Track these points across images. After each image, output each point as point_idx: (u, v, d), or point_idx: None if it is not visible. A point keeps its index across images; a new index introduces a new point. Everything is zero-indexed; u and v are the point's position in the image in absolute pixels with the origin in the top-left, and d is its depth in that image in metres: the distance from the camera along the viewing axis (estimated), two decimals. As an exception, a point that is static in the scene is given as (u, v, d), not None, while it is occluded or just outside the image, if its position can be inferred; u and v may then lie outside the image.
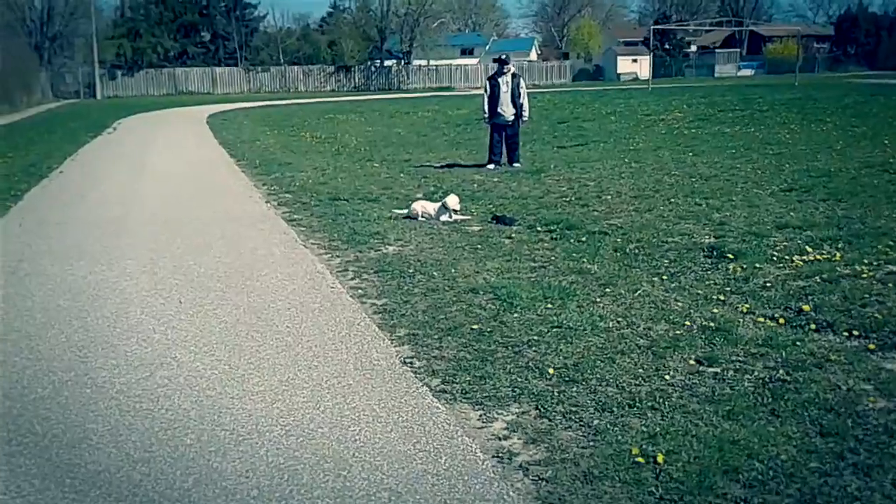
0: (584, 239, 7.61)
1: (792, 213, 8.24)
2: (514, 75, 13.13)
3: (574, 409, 3.91)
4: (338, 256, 7.36)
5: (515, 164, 13.13)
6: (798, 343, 4.66)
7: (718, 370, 4.31)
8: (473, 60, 69.60)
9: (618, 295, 5.76)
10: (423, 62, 64.25)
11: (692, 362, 4.43)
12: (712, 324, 5.02)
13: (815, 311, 5.23)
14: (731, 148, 13.78)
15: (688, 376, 4.24)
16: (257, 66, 63.64)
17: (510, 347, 4.76)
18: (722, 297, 5.63)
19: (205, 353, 4.83)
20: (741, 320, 5.13)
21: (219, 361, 4.68)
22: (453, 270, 6.59)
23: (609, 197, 9.53)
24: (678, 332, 4.91)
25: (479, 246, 7.50)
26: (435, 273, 6.52)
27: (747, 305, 5.45)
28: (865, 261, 6.37)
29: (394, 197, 10.60)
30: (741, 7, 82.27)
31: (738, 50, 74.78)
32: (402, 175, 12.77)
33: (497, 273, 6.47)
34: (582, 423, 3.75)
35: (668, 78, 60.55)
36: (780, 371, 4.25)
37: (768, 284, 5.89)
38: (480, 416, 3.91)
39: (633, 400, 3.96)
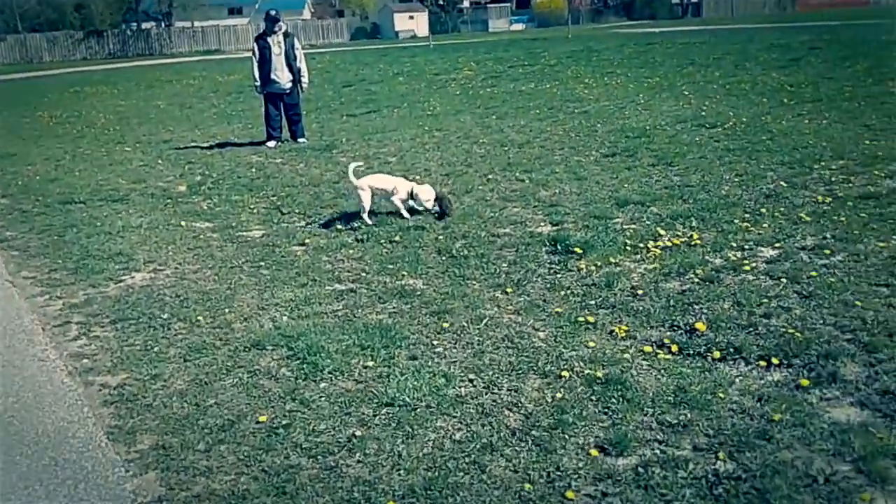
0: (396, 239, 6.01)
1: (626, 186, 7.15)
2: (286, 34, 11.08)
3: None
4: (59, 297, 5.21)
5: (300, 140, 11.19)
6: (720, 393, 3.37)
7: (637, 465, 2.89)
8: (243, 20, 65.02)
9: (460, 329, 4.22)
10: (187, 23, 58.95)
11: (594, 452, 2.98)
12: (597, 371, 3.62)
13: (712, 330, 4.01)
14: (533, 108, 12.73)
15: (599, 488, 2.77)
16: (-10, 35, 55.17)
17: (320, 459, 3.05)
18: (590, 318, 4.27)
19: None
20: (628, 356, 3.79)
21: None
22: (227, 309, 4.72)
23: (417, 176, 7.98)
24: (558, 392, 3.44)
25: (262, 262, 5.65)
26: (200, 317, 4.61)
27: (624, 327, 4.13)
28: (732, 243, 5.34)
29: (147, 193, 8.36)
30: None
31: (509, 5, 76.16)
32: (160, 161, 10.41)
33: (290, 308, 4.69)
34: None
35: (445, 34, 60.19)
36: (721, 455, 2.91)
37: (637, 290, 4.63)
38: None
39: (534, 558, 2.43)
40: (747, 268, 4.83)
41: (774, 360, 3.66)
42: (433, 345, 4.03)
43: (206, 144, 11.74)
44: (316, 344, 4.04)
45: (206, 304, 4.82)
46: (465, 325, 4.27)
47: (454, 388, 3.53)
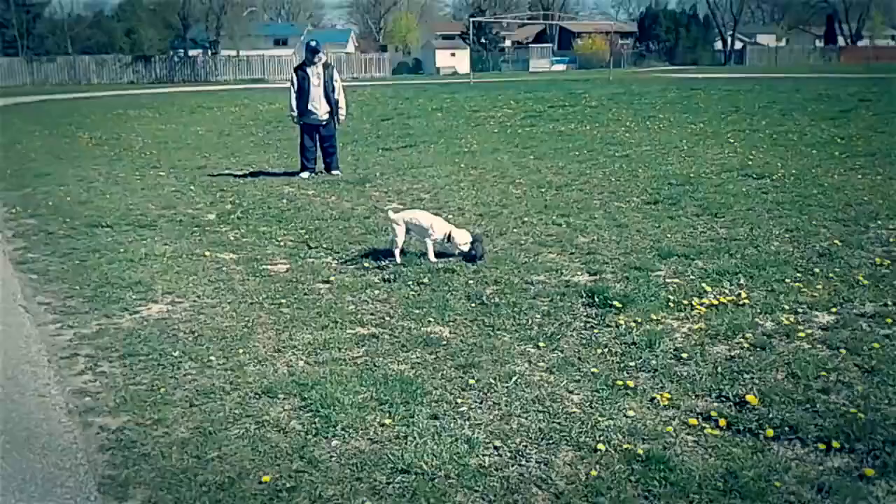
0: (424, 280, 5.73)
1: (669, 236, 6.81)
2: (325, 66, 10.98)
3: None
4: (71, 327, 5.00)
5: (334, 172, 11.03)
6: (775, 480, 3.01)
7: (681, 563, 2.54)
8: (288, 51, 66.11)
9: (486, 387, 3.90)
10: (233, 52, 60.03)
11: (634, 545, 2.63)
12: (636, 445, 3.28)
13: (764, 404, 3.65)
14: (572, 150, 12.46)
15: (639, 590, 2.43)
16: (42, 55, 56.57)
17: (325, 532, 2.75)
18: (629, 382, 3.93)
19: None
20: (671, 429, 3.44)
21: None
22: (242, 350, 4.46)
23: (450, 216, 7.70)
24: (592, 469, 3.11)
25: (283, 300, 5.40)
26: (213, 357, 4.36)
27: (667, 395, 3.78)
28: (784, 305, 4.97)
29: (175, 220, 8.20)
30: (551, 2, 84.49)
31: (551, 45, 76.49)
32: (192, 187, 10.30)
33: (307, 352, 4.42)
34: None
35: (486, 72, 60.44)
36: (779, 557, 2.55)
37: (681, 353, 4.28)
38: None
39: None
40: (802, 334, 4.46)
41: (835, 444, 3.29)
42: (457, 403, 3.72)
43: (240, 172, 11.64)
44: (331, 395, 3.76)
45: (221, 343, 4.57)
46: (493, 382, 3.96)
47: (477, 456, 3.21)
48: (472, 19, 42.51)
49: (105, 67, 56.46)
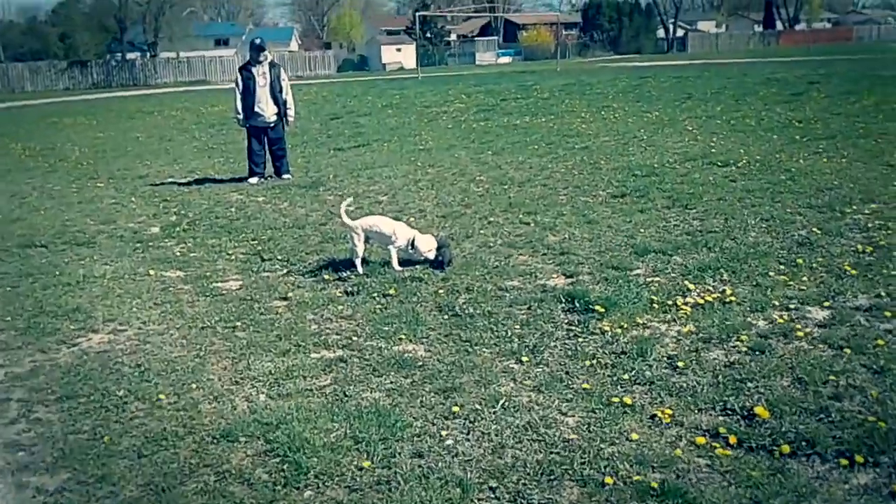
0: (390, 292, 5.33)
1: (642, 231, 6.53)
2: (272, 65, 10.46)
3: None
4: (1, 366, 4.47)
5: (285, 177, 10.52)
6: (805, 510, 2.70)
7: None
8: (230, 51, 64.75)
9: (472, 414, 3.53)
10: (173, 54, 58.45)
11: None
12: (648, 476, 2.94)
13: (775, 416, 3.35)
14: (530, 143, 12.14)
15: None
16: (-28, 64, 54.40)
17: None
18: (626, 398, 3.59)
19: None
20: (680, 452, 3.11)
21: None
22: (195, 385, 4.01)
23: (412, 218, 7.31)
24: (603, 509, 2.76)
25: (237, 322, 4.94)
26: (162, 395, 3.89)
27: (668, 410, 3.47)
28: (774, 301, 4.71)
29: (116, 236, 7.64)
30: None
31: (496, 38, 76.35)
32: (133, 199, 9.70)
33: (269, 383, 3.98)
34: None
35: (433, 67, 60.03)
36: None
37: (676, 361, 3.97)
38: None
39: None
40: (800, 333, 4.19)
41: (858, 458, 3.01)
42: (441, 436, 3.34)
43: (184, 180, 11.04)
44: (299, 435, 3.34)
45: (170, 378, 4.11)
46: (479, 407, 3.58)
47: (472, 501, 2.84)
48: (417, 13, 41.95)
49: (39, 74, 54.35)
